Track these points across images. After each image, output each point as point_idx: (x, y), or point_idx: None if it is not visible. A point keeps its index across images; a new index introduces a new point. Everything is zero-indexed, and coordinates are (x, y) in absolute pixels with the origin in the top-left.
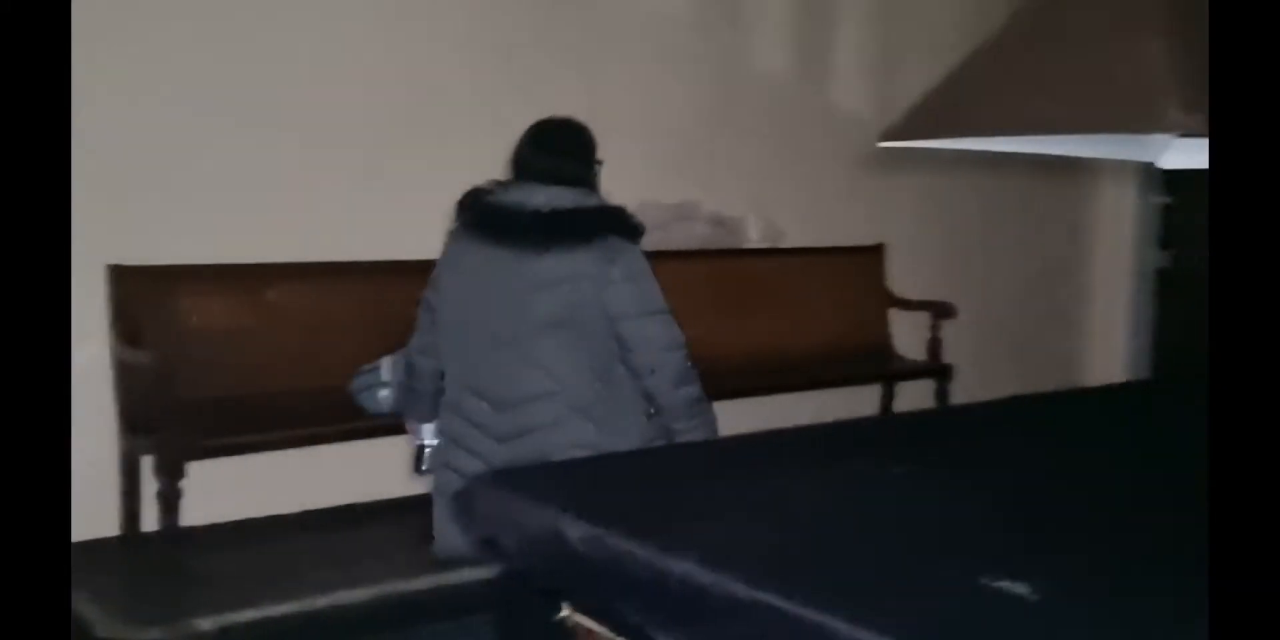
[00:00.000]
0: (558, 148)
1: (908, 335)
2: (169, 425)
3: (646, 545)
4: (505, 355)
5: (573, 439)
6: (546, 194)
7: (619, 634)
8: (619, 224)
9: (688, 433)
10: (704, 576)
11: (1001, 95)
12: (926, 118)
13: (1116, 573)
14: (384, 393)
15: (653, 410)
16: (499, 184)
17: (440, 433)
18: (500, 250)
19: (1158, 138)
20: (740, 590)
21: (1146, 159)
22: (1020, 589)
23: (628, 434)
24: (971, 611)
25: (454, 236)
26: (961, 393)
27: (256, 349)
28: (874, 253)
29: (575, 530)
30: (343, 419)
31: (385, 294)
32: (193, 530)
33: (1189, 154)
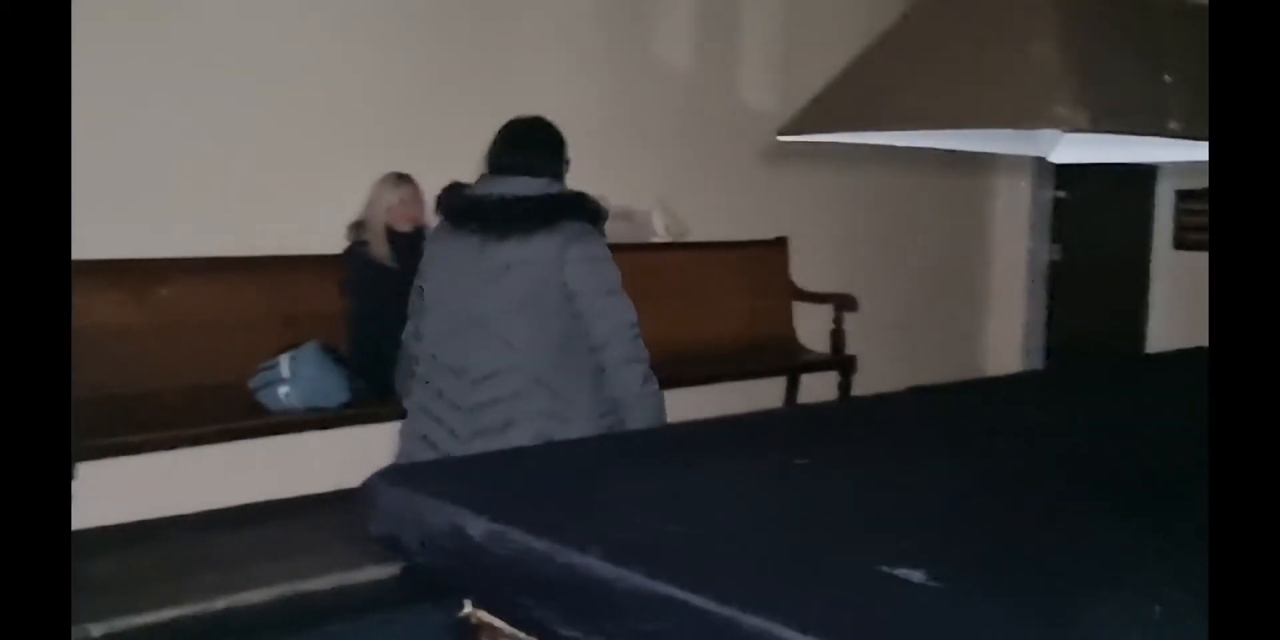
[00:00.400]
0: (525, 142)
1: (811, 328)
2: None
3: (549, 540)
4: (475, 332)
5: (534, 408)
6: (513, 184)
7: (522, 630)
8: (579, 209)
9: (637, 406)
10: (607, 571)
11: (895, 91)
12: (823, 112)
13: (1014, 560)
14: (284, 389)
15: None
16: (479, 178)
17: (410, 402)
18: (471, 237)
19: (1047, 133)
20: (643, 584)
21: (1038, 154)
22: (918, 576)
23: (582, 405)
24: (870, 598)
25: (437, 228)
26: (864, 384)
27: (149, 347)
28: (778, 246)
29: (477, 526)
30: (240, 417)
31: (284, 289)
32: (83, 533)
33: (1078, 149)
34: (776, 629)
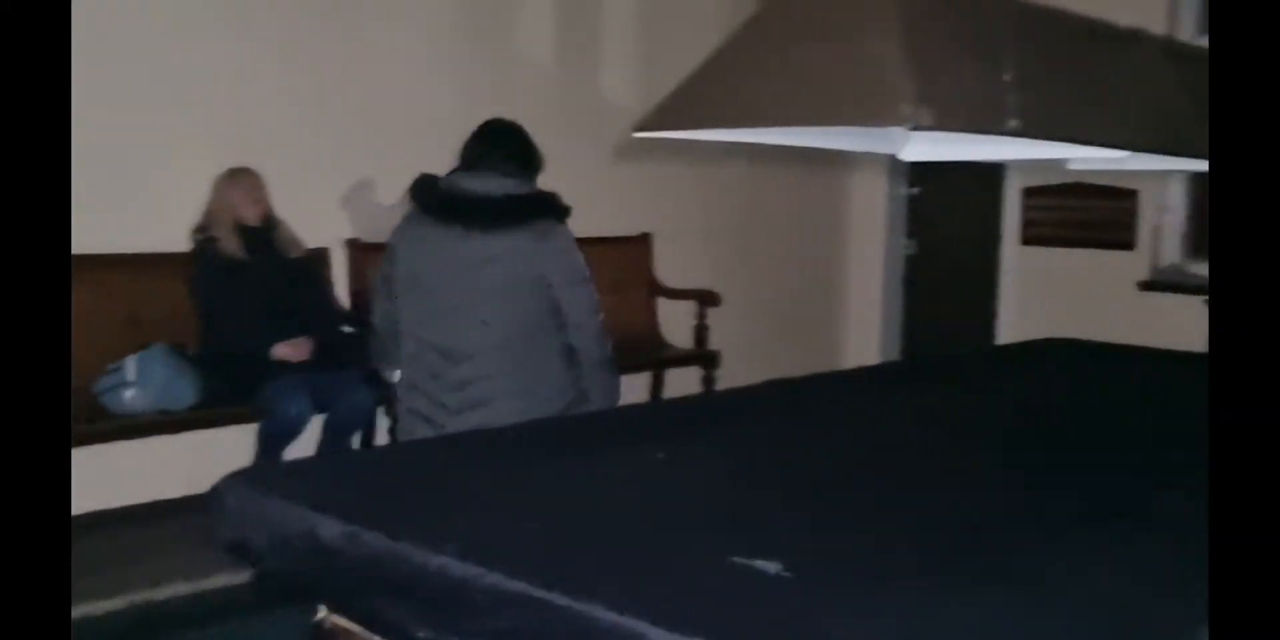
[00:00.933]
0: (502, 144)
1: (675, 323)
2: None
3: (403, 541)
4: (457, 315)
5: (512, 386)
6: (493, 182)
7: (378, 634)
8: (551, 208)
9: (601, 385)
10: (462, 570)
11: (745, 89)
12: (677, 110)
13: (869, 551)
14: (129, 393)
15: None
16: (450, 173)
17: (402, 380)
18: (452, 229)
19: (896, 131)
20: (500, 582)
21: (888, 151)
22: (772, 567)
23: (554, 381)
24: (724, 590)
25: (408, 218)
26: (727, 378)
27: None
28: (641, 242)
29: (329, 529)
30: (83, 421)
31: (128, 289)
32: None
33: (925, 147)
34: (630, 622)
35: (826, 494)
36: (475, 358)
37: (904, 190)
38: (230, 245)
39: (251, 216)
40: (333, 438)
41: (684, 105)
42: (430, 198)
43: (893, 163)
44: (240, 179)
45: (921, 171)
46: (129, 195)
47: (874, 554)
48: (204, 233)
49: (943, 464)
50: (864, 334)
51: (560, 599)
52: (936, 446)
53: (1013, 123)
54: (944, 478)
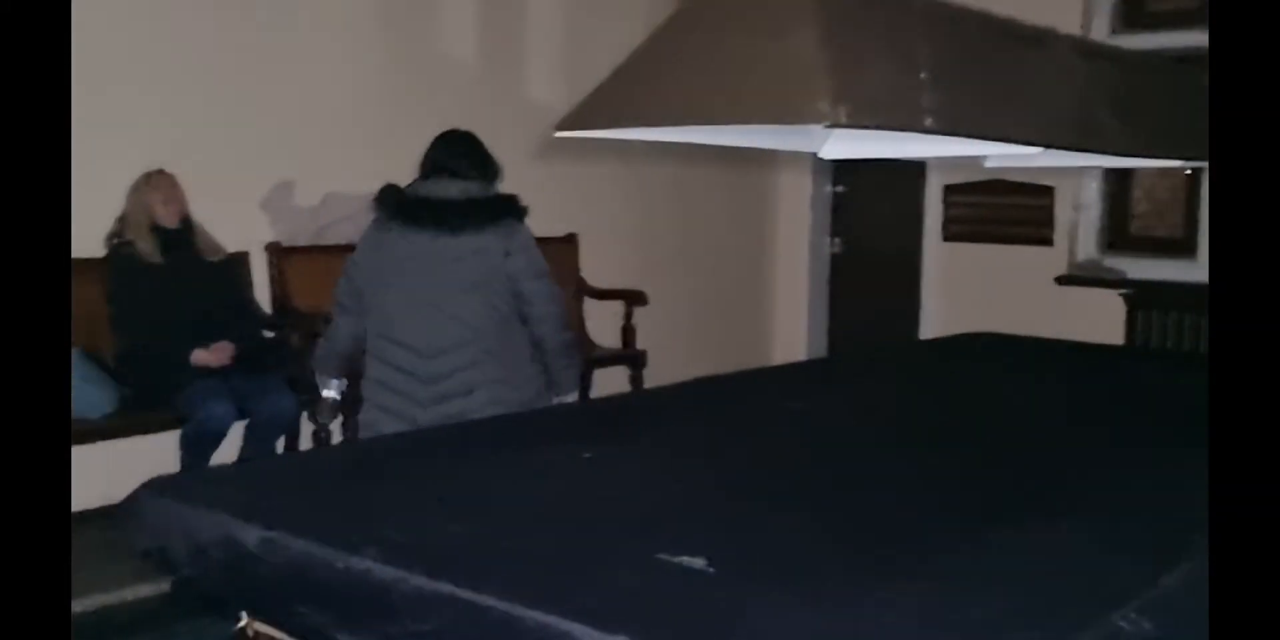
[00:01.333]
0: (462, 151)
1: (602, 323)
2: None
3: (324, 545)
4: (430, 312)
5: (489, 376)
6: (455, 187)
7: (302, 639)
8: (514, 209)
9: (564, 369)
10: (385, 573)
11: (664, 87)
12: (597, 108)
13: (795, 546)
14: None
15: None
16: (412, 182)
17: (368, 378)
18: (422, 232)
19: (816, 129)
20: (423, 584)
21: (808, 149)
22: (697, 563)
23: (524, 371)
24: (649, 585)
25: (376, 223)
26: (655, 378)
27: None
28: (567, 243)
29: (249, 535)
30: None
31: None
32: None
33: (844, 144)
34: (555, 621)
35: (752, 491)
36: (450, 351)
37: (829, 189)
38: (146, 248)
39: (168, 219)
40: (255, 443)
41: (605, 104)
42: (396, 205)
43: (817, 162)
44: (155, 181)
45: (845, 170)
46: None
47: (799, 549)
48: (119, 237)
49: (868, 459)
50: (790, 331)
51: (485, 599)
52: (862, 441)
53: (929, 120)
54: (869, 473)
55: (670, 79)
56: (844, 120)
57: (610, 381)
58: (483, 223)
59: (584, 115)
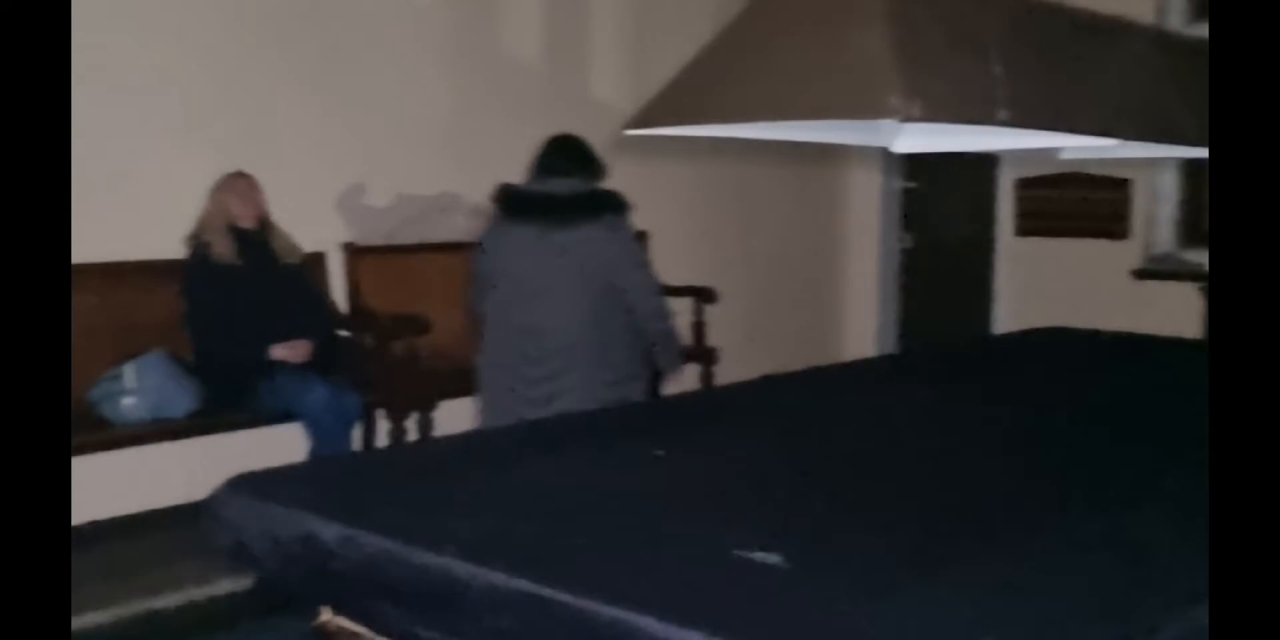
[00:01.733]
0: (568, 152)
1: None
2: None
3: (402, 542)
4: (539, 300)
5: (587, 357)
6: (563, 185)
7: (381, 634)
8: (616, 204)
9: (664, 354)
10: (462, 569)
11: (736, 83)
12: (668, 106)
13: (870, 542)
14: (129, 400)
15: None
16: (526, 181)
17: (483, 357)
18: (531, 226)
19: (887, 124)
20: (499, 580)
21: (879, 144)
22: (772, 558)
23: (621, 352)
24: (724, 582)
25: (493, 219)
26: (726, 375)
27: None
28: (636, 241)
29: (328, 532)
30: (80, 431)
31: (122, 297)
32: None
33: (916, 139)
34: (630, 617)
35: (826, 487)
36: (557, 333)
37: (899, 184)
38: (224, 250)
39: (246, 220)
40: (326, 442)
41: (674, 102)
42: (511, 201)
43: (888, 157)
44: (234, 183)
45: (916, 165)
46: (125, 204)
47: (875, 545)
48: (198, 238)
49: (941, 455)
50: (861, 328)
51: (561, 596)
52: (935, 437)
53: (1003, 113)
54: (943, 469)
55: (742, 76)
56: (916, 115)
57: (681, 379)
58: (586, 217)
59: (655, 113)
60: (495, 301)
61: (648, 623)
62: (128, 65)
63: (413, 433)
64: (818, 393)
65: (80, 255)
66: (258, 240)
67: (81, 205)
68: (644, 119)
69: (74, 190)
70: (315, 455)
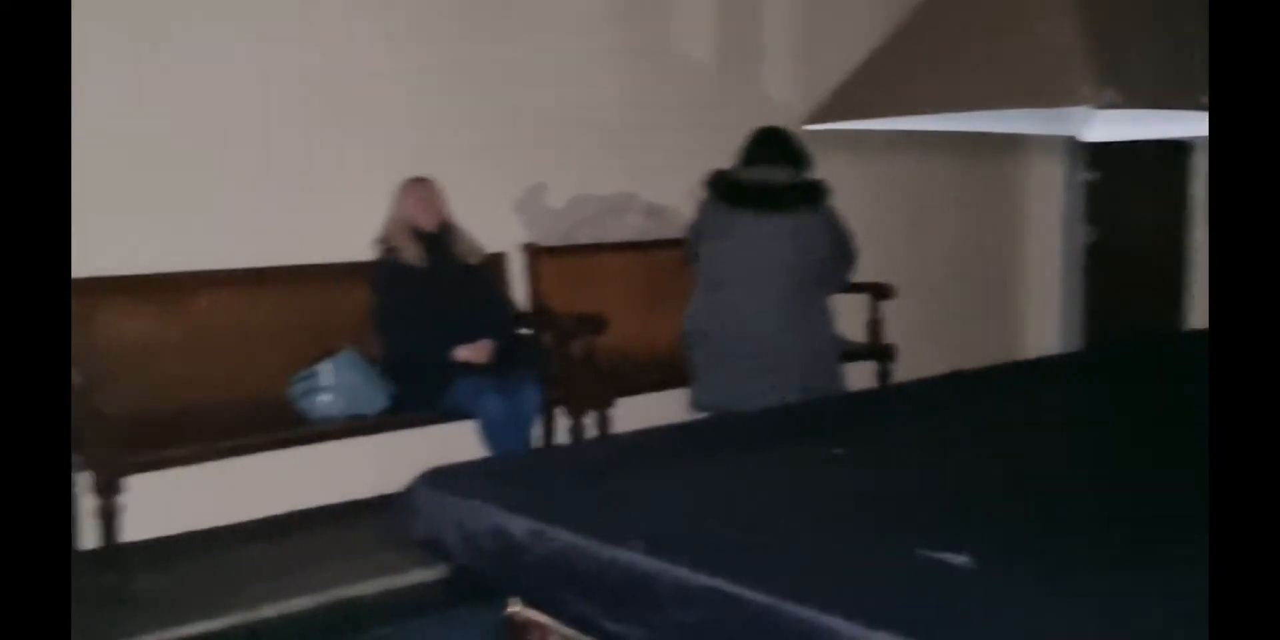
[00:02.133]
0: (779, 141)
1: (848, 317)
2: (98, 441)
3: (590, 537)
4: (747, 285)
5: (796, 345)
6: (774, 173)
7: (569, 626)
8: (827, 192)
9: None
10: (649, 564)
11: (920, 75)
12: (850, 99)
13: (1054, 540)
14: (325, 397)
15: None
16: (733, 168)
17: (696, 336)
18: (745, 212)
19: (1077, 112)
20: (686, 576)
21: (1068, 133)
22: (960, 559)
23: (827, 339)
24: (912, 583)
25: (706, 204)
26: (904, 372)
27: (185, 361)
28: None
29: (518, 526)
30: (280, 426)
31: (314, 298)
32: (134, 546)
33: (1108, 126)
34: (818, 616)
35: (1011, 485)
36: (767, 312)
37: (1082, 175)
38: (409, 252)
39: (428, 224)
40: (508, 438)
41: (856, 96)
42: (727, 187)
43: (1069, 148)
44: (416, 188)
45: (1099, 155)
46: (315, 210)
47: (1063, 545)
48: (386, 242)
49: (1131, 452)
50: (1042, 324)
51: (749, 593)
52: (1124, 435)
53: (1204, 98)
54: (1132, 466)
55: (927, 67)
56: (1114, 102)
57: (858, 376)
58: (797, 203)
59: (836, 107)
60: (708, 282)
61: (835, 622)
62: (316, 76)
63: (591, 430)
64: (1004, 390)
65: (275, 259)
66: (440, 242)
67: (274, 211)
68: (825, 113)
69: (271, 201)
70: (494, 453)
